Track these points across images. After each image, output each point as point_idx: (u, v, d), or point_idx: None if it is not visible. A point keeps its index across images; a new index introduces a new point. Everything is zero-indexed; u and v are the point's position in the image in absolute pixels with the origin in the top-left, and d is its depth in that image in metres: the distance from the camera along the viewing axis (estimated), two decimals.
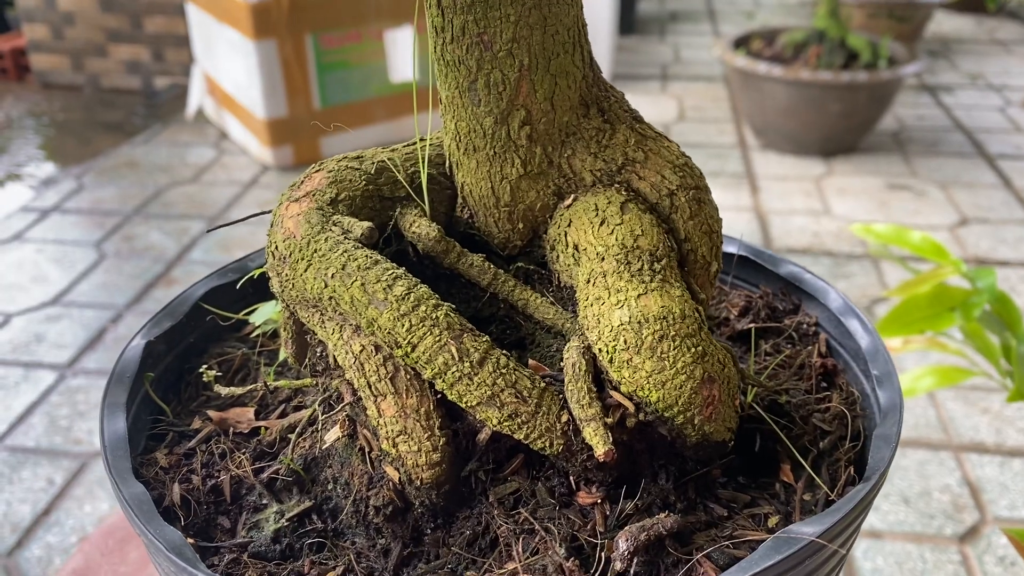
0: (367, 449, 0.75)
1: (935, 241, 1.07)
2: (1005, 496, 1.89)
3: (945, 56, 4.89)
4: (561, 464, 0.74)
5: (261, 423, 0.87)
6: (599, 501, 0.74)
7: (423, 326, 0.69)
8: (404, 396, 0.71)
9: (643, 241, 0.76)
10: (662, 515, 0.73)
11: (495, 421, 0.70)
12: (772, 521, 0.77)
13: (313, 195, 0.78)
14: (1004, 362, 1.40)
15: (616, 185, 0.80)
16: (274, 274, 0.77)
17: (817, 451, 0.83)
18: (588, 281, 0.75)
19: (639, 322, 0.71)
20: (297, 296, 0.75)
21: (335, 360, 0.80)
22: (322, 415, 0.79)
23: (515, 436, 0.71)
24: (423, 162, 0.81)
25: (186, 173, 3.41)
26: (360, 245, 0.74)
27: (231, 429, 0.86)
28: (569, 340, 0.78)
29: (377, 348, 0.71)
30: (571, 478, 0.75)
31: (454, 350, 0.69)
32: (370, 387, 0.71)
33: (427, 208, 0.82)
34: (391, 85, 3.32)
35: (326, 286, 0.71)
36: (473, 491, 0.74)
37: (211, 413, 0.86)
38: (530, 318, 0.80)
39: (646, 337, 0.70)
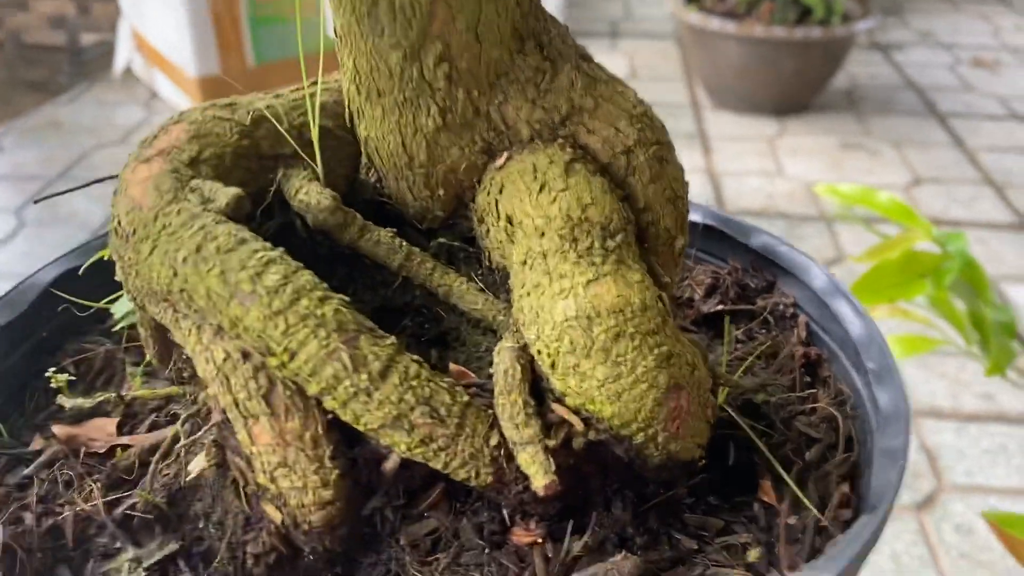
0: (241, 482, 0.58)
1: (902, 203, 0.95)
2: (962, 462, 1.80)
3: (896, 13, 4.80)
4: (490, 495, 0.58)
5: (122, 440, 0.69)
6: (539, 540, 0.59)
7: (304, 327, 0.52)
8: (282, 418, 0.54)
9: (593, 211, 0.60)
10: (619, 556, 0.58)
11: (403, 447, 0.54)
12: (752, 555, 0.63)
13: (168, 154, 0.60)
14: (971, 329, 1.29)
15: (560, 140, 0.64)
16: (117, 257, 0.59)
17: (803, 463, 0.68)
18: (524, 263, 0.59)
19: (588, 317, 0.55)
20: (143, 287, 0.57)
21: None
22: (185, 437, 0.62)
23: (430, 464, 0.55)
24: (313, 111, 0.64)
25: (113, 134, 3.16)
26: (224, 219, 0.56)
27: (83, 449, 0.68)
28: (501, 338, 0.62)
29: (245, 356, 0.55)
30: (504, 511, 0.60)
31: (346, 358, 0.52)
32: (238, 406, 0.55)
33: (320, 169, 0.65)
34: (329, 40, 3.13)
35: (175, 275, 0.54)
36: (379, 532, 0.58)
37: (57, 429, 0.68)
38: (454, 309, 0.64)
39: (598, 336, 0.55)
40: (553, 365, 0.55)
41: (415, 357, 0.55)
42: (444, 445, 0.54)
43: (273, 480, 0.55)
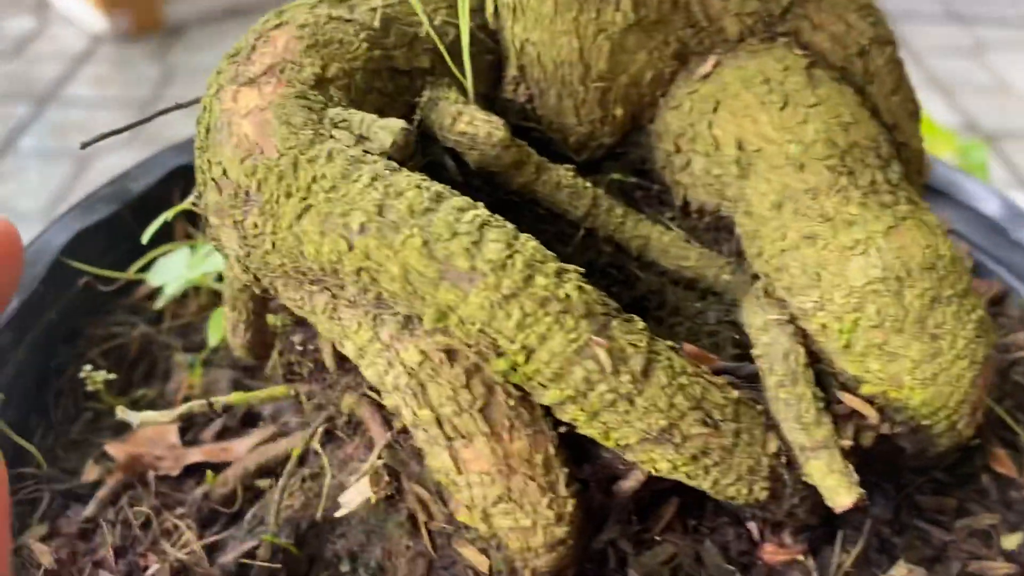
0: (422, 517, 0.43)
1: (922, 111, 0.86)
2: None
3: None
4: (751, 511, 0.45)
5: (192, 454, 0.53)
6: (800, 557, 0.46)
7: (545, 315, 0.37)
8: (505, 438, 0.39)
9: (858, 133, 0.45)
10: (901, 570, 0.46)
11: (667, 467, 0.40)
12: (1011, 541, 0.52)
13: (280, 71, 0.42)
14: None
15: (782, 39, 0.49)
16: (221, 221, 0.42)
17: None
18: (779, 205, 0.44)
19: (899, 278, 0.41)
20: (278, 263, 0.40)
21: (337, 363, 0.47)
22: (327, 454, 0.46)
23: (693, 484, 0.41)
24: (464, 4, 0.46)
25: (2, 47, 2.78)
26: (396, 164, 0.40)
27: (150, 473, 0.51)
28: (732, 304, 0.48)
29: (451, 357, 0.39)
30: (754, 525, 0.47)
31: (602, 355, 0.37)
32: (441, 424, 0.39)
33: (470, 87, 0.48)
34: None
35: (350, 248, 0.37)
36: (605, 566, 0.45)
37: (113, 450, 0.51)
38: (651, 266, 0.49)
39: (911, 302, 0.41)
40: (847, 344, 0.42)
41: (670, 343, 0.40)
42: (719, 459, 0.40)
43: (487, 518, 0.40)
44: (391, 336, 0.39)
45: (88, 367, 0.54)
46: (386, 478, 0.43)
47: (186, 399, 0.57)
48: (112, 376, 0.55)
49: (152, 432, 0.55)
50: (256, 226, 0.40)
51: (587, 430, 0.39)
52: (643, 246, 0.49)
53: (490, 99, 0.52)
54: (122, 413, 0.49)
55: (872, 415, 0.43)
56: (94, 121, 2.20)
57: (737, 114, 0.47)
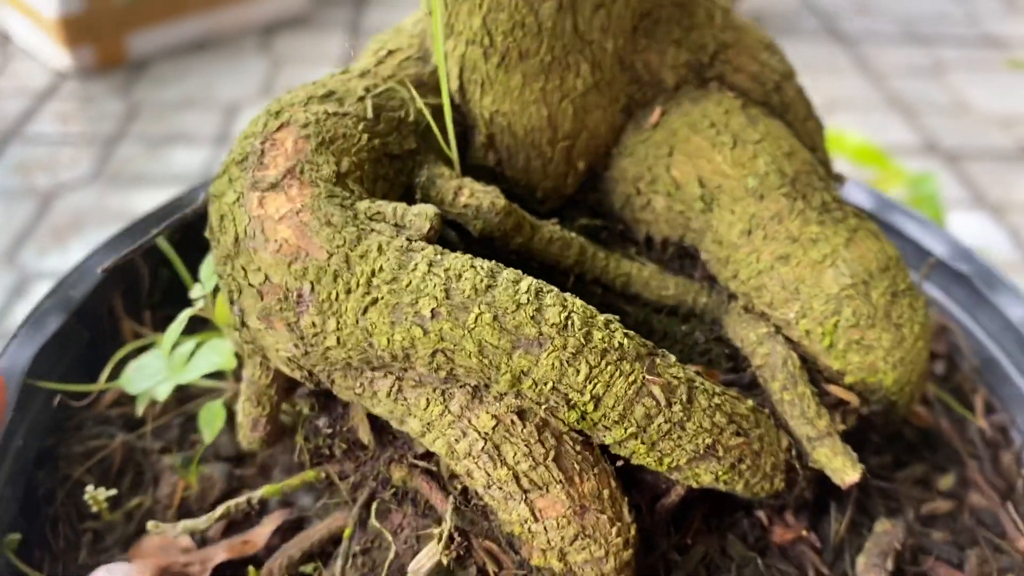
0: (492, 569, 0.46)
1: (873, 148, 0.95)
2: None
3: None
4: (765, 502, 0.51)
5: (215, 553, 0.53)
6: (804, 532, 0.53)
7: (607, 365, 0.41)
8: (577, 481, 0.43)
9: (799, 161, 0.53)
10: (883, 525, 0.54)
11: (709, 478, 0.45)
12: (945, 482, 0.61)
13: (301, 172, 0.44)
14: None
15: (713, 84, 0.56)
16: (268, 325, 0.43)
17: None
18: (748, 232, 0.51)
19: (864, 281, 0.49)
20: (343, 357, 0.42)
21: (375, 441, 0.49)
22: (389, 529, 0.48)
23: (728, 489, 0.47)
24: (445, 86, 0.50)
25: None
26: (441, 248, 0.43)
27: None
28: (712, 323, 0.54)
29: (522, 416, 0.42)
30: (762, 513, 0.53)
31: (657, 391, 0.42)
32: (517, 480, 0.42)
33: (456, 161, 0.52)
34: None
35: (425, 333, 0.40)
36: (657, 574, 0.49)
37: (139, 568, 0.50)
38: (636, 299, 0.54)
39: (878, 300, 0.49)
40: (830, 344, 0.49)
41: (696, 368, 0.46)
42: (751, 463, 0.46)
43: (562, 556, 0.44)
44: (462, 407, 0.42)
45: (90, 487, 0.53)
46: (457, 538, 0.45)
47: (183, 500, 0.57)
48: (112, 492, 0.54)
49: (160, 540, 0.54)
50: (315, 325, 0.41)
51: (644, 460, 0.44)
52: (626, 282, 0.54)
53: (462, 165, 0.55)
54: (154, 528, 0.48)
55: (855, 400, 0.50)
56: (58, 158, 2.02)
57: (692, 156, 0.53)
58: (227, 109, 2.22)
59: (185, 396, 0.62)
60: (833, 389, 0.50)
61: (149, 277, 0.66)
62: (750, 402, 0.47)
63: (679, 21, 0.54)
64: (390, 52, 0.53)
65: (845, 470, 0.47)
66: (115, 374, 0.59)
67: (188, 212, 0.49)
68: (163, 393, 0.54)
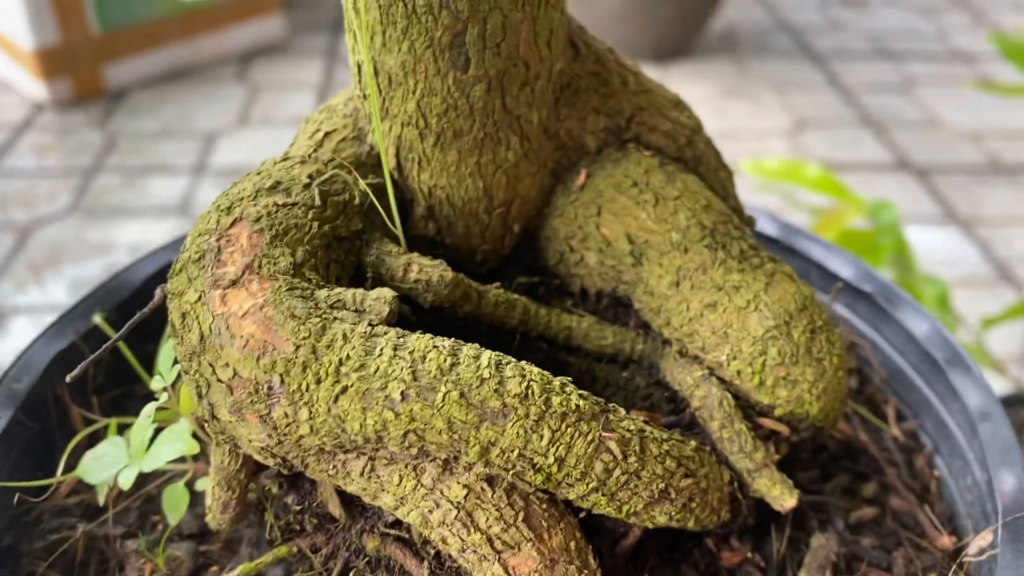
0: None
1: (832, 178, 1.00)
2: None
3: None
4: (711, 530, 0.55)
5: None
6: (748, 555, 0.57)
7: (567, 427, 0.44)
8: (546, 538, 0.46)
9: (715, 212, 0.57)
10: (819, 540, 0.59)
11: (664, 519, 0.49)
12: (869, 490, 0.67)
13: (259, 267, 0.46)
14: None
15: (631, 145, 0.60)
16: (239, 418, 0.45)
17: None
18: (677, 283, 0.55)
19: (786, 322, 0.53)
20: (317, 444, 0.44)
21: (346, 514, 0.51)
22: None
23: (680, 526, 0.50)
24: (387, 167, 0.52)
25: None
26: (401, 330, 0.45)
27: None
28: (651, 367, 0.57)
29: (491, 483, 0.45)
30: (710, 540, 0.57)
31: (614, 447, 0.45)
32: (491, 542, 0.45)
33: (401, 237, 0.54)
34: (180, 3, 2.56)
35: (396, 415, 0.42)
36: None
37: None
38: (578, 350, 0.58)
39: (799, 339, 0.53)
40: (760, 382, 0.53)
41: (643, 417, 0.49)
42: (700, 501, 0.50)
43: None
44: (433, 480, 0.45)
45: None
46: None
47: None
48: None
49: None
50: (287, 415, 0.43)
51: (605, 509, 0.47)
52: (568, 335, 0.57)
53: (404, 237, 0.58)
54: None
55: (785, 430, 0.54)
56: (35, 191, 1.93)
57: (619, 215, 0.57)
58: (205, 138, 2.19)
59: (141, 479, 0.63)
60: (765, 422, 0.54)
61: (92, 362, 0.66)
62: (693, 443, 0.51)
63: (596, 89, 0.58)
64: (327, 134, 0.56)
65: (783, 497, 0.52)
66: (71, 463, 0.59)
67: (146, 311, 0.51)
68: (127, 482, 0.55)
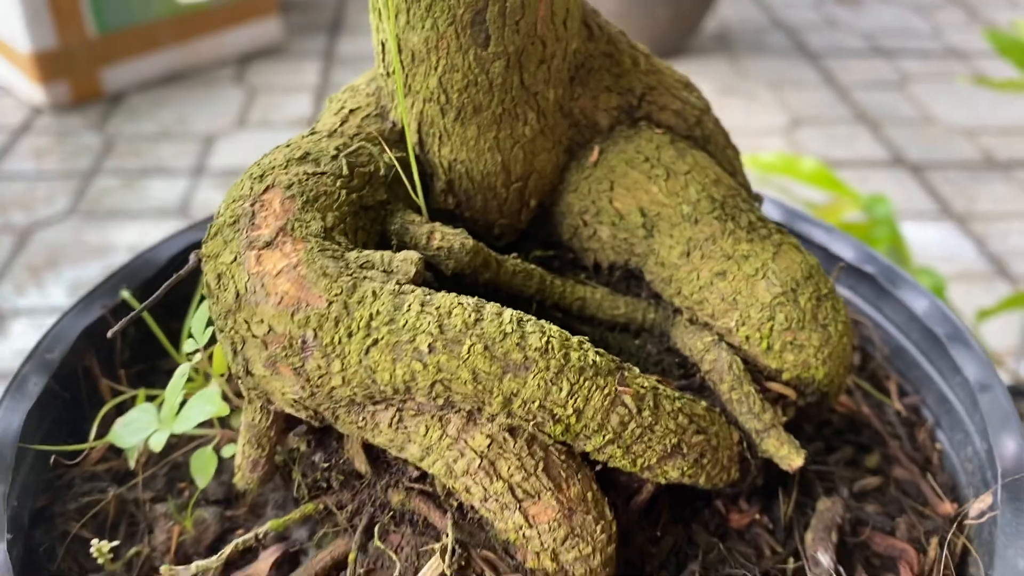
0: (491, 575, 0.51)
1: (827, 171, 1.02)
2: None
3: None
4: (723, 491, 0.57)
5: None
6: (757, 516, 0.59)
7: (585, 380, 0.46)
8: (564, 487, 0.48)
9: (724, 186, 0.59)
10: (825, 504, 0.61)
11: (677, 474, 0.51)
12: (872, 460, 0.69)
13: (292, 229, 0.48)
14: None
15: (642, 123, 0.62)
16: (273, 371, 0.47)
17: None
18: (687, 253, 0.57)
19: (793, 289, 0.55)
20: (348, 395, 0.46)
21: (371, 470, 0.53)
22: (391, 548, 0.52)
23: (691, 482, 0.53)
24: (411, 142, 0.55)
25: None
26: (429, 289, 0.47)
27: None
28: (661, 335, 0.60)
29: (513, 433, 0.47)
30: (720, 502, 0.59)
31: (629, 400, 0.48)
32: (512, 491, 0.47)
33: (424, 208, 0.56)
34: (177, 5, 2.60)
35: (425, 366, 0.45)
36: (633, 567, 0.55)
37: None
38: (592, 319, 0.60)
39: (806, 305, 0.55)
40: (768, 346, 0.55)
41: (656, 377, 0.52)
42: (711, 457, 0.52)
43: (555, 557, 0.49)
44: (458, 430, 0.47)
45: (94, 540, 0.55)
46: (457, 550, 0.50)
47: (179, 545, 0.60)
48: (115, 544, 0.56)
49: None
50: (320, 368, 0.45)
51: (620, 462, 0.49)
52: (582, 305, 0.59)
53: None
54: (168, 572, 0.51)
55: (792, 394, 0.57)
56: (34, 194, 1.96)
57: (631, 189, 0.59)
58: (203, 140, 2.21)
59: (168, 447, 0.65)
60: (773, 386, 0.56)
61: (120, 335, 0.68)
62: (704, 403, 0.53)
63: (609, 69, 0.60)
64: (351, 111, 0.58)
65: (791, 456, 0.54)
66: (101, 432, 0.62)
67: (182, 272, 0.53)
68: (158, 444, 0.57)
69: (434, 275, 0.55)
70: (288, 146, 0.54)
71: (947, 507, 0.64)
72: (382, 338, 0.45)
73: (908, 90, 2.68)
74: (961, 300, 1.57)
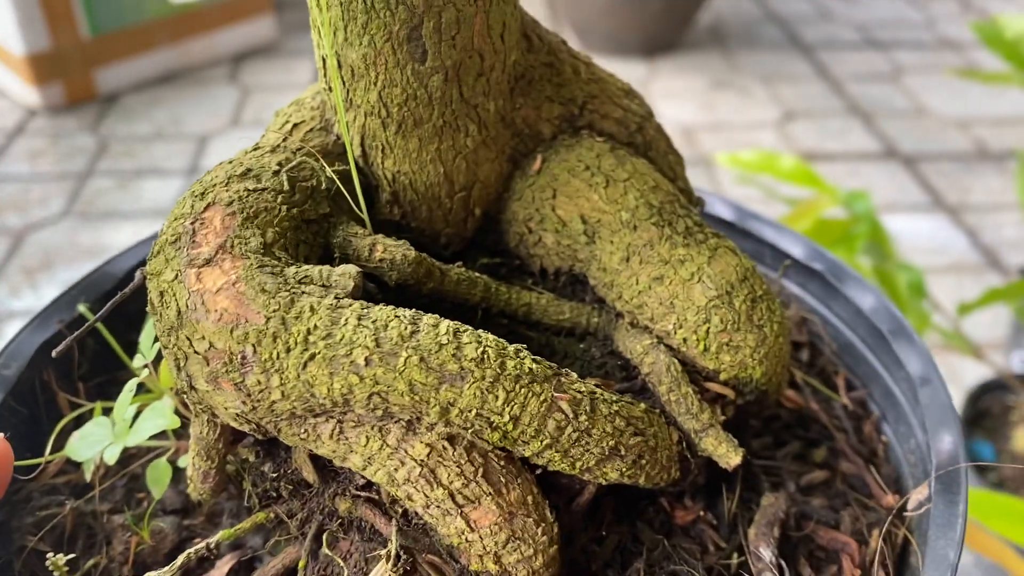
0: None
1: (806, 168, 1.03)
2: None
3: None
4: (665, 489, 0.59)
5: None
6: (701, 513, 0.61)
7: (521, 388, 0.48)
8: (504, 492, 0.49)
9: (663, 192, 0.61)
10: (768, 499, 0.62)
11: (616, 475, 0.52)
12: (819, 455, 0.70)
13: (231, 246, 0.49)
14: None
15: (584, 131, 0.63)
16: (215, 387, 0.48)
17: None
18: (627, 259, 0.58)
19: (727, 292, 0.57)
20: (288, 408, 0.47)
21: (319, 479, 0.54)
22: (339, 555, 0.53)
23: (632, 483, 0.54)
24: (352, 155, 0.56)
25: None
26: (366, 302, 0.49)
27: None
28: (605, 339, 0.61)
29: (452, 441, 0.49)
30: (664, 500, 0.61)
31: (565, 406, 0.49)
32: (453, 497, 0.49)
33: (367, 221, 0.58)
34: (170, 6, 2.59)
35: (361, 379, 0.46)
36: (577, 567, 0.56)
37: None
38: (537, 325, 0.61)
39: (740, 307, 0.57)
40: (705, 348, 0.57)
41: (595, 381, 0.53)
42: (649, 458, 0.53)
43: (497, 559, 0.50)
44: (398, 440, 0.48)
45: (50, 554, 0.56)
46: (403, 556, 0.51)
47: (137, 556, 0.61)
48: (71, 556, 0.57)
49: None
50: (259, 382, 0.47)
51: (559, 466, 0.51)
52: (528, 311, 0.61)
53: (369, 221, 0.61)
54: None
55: (730, 394, 0.58)
56: (28, 196, 1.96)
57: (573, 196, 0.60)
58: (198, 140, 2.21)
59: (125, 458, 0.66)
60: (711, 386, 0.58)
61: (77, 349, 0.69)
62: (643, 405, 0.54)
63: (550, 79, 0.62)
64: (295, 125, 0.59)
65: (729, 455, 0.55)
66: (58, 445, 0.62)
67: (127, 291, 0.54)
68: (112, 457, 0.58)
69: (378, 286, 0.56)
70: (231, 163, 0.55)
71: (890, 499, 0.66)
72: (319, 352, 0.46)
73: (901, 82, 2.71)
74: (953, 292, 1.58)
